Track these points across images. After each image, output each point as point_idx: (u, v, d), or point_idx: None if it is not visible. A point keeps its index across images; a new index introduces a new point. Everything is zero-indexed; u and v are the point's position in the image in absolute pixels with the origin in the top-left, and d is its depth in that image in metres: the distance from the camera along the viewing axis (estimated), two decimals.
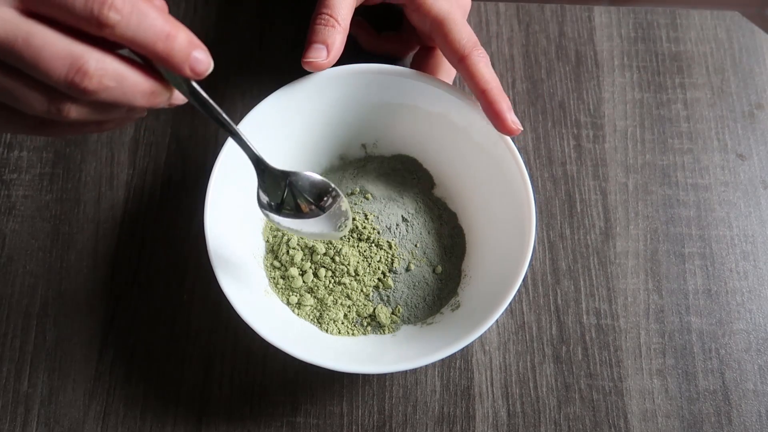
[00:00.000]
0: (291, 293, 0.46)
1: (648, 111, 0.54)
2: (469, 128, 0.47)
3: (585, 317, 0.48)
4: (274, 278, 0.46)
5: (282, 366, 0.47)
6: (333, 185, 0.41)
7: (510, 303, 0.48)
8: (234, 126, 0.36)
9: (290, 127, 0.48)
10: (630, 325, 0.48)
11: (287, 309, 0.46)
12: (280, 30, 0.56)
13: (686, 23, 0.57)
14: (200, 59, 0.29)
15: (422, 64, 0.50)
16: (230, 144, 0.44)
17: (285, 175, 0.40)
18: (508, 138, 0.44)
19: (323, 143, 0.50)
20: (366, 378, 0.47)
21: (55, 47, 0.27)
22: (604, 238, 0.50)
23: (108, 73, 0.28)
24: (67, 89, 0.27)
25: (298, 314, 0.46)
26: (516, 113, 0.53)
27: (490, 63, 0.44)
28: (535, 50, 0.56)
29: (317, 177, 0.41)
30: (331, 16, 0.44)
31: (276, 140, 0.48)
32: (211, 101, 0.33)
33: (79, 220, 0.50)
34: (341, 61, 0.45)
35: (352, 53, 0.46)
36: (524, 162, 0.43)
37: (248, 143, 0.38)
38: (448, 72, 0.50)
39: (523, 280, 0.49)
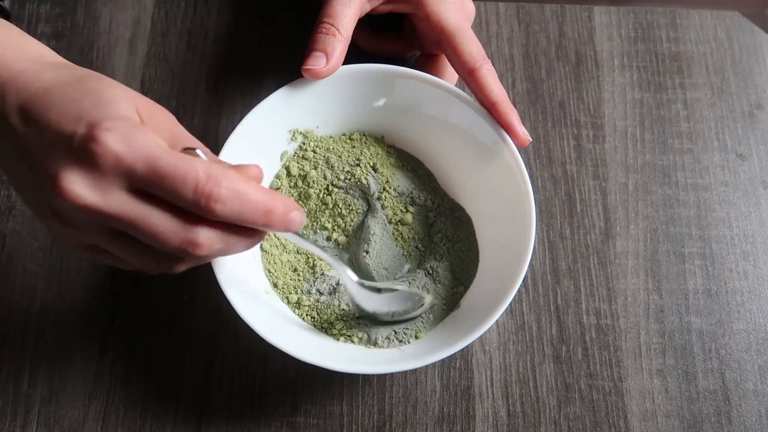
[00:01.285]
0: (290, 292, 0.46)
1: (648, 111, 0.54)
2: (469, 128, 0.47)
3: (585, 317, 0.48)
4: (273, 273, 0.46)
5: (282, 366, 0.47)
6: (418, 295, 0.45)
7: (510, 303, 0.48)
8: (318, 245, 0.44)
9: (290, 126, 0.48)
10: (630, 325, 0.48)
11: (287, 309, 0.46)
12: (280, 30, 0.56)
13: (686, 23, 0.57)
14: (295, 220, 0.33)
15: (425, 68, 0.50)
16: (229, 145, 0.44)
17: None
18: (508, 138, 0.44)
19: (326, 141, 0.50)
20: (366, 378, 0.47)
21: (169, 223, 0.31)
22: (604, 238, 0.50)
23: (216, 239, 0.32)
24: (182, 255, 0.32)
25: (298, 314, 0.45)
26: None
27: (497, 76, 0.45)
28: (535, 50, 0.56)
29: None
30: (332, 25, 0.45)
31: (276, 139, 0.48)
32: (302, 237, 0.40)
33: None
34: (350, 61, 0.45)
35: (352, 54, 0.46)
36: (524, 162, 0.44)
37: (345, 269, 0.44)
38: (450, 77, 0.50)
39: (523, 280, 0.49)
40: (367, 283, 0.44)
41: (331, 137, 0.50)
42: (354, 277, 0.43)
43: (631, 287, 0.49)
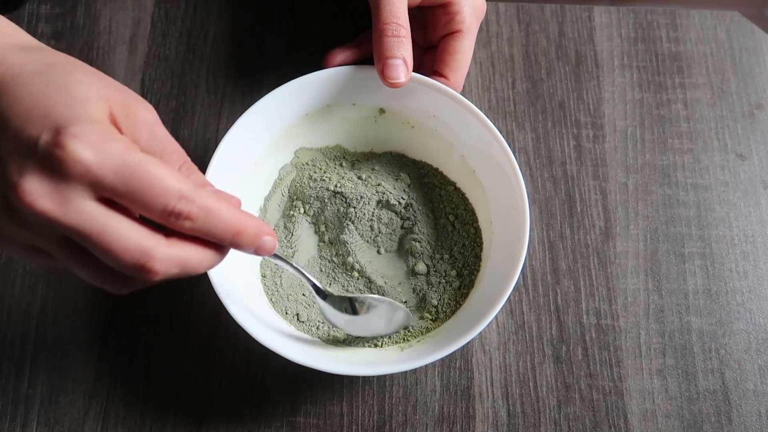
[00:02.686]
0: (287, 305, 0.46)
1: (648, 111, 0.54)
2: (461, 130, 0.46)
3: (585, 317, 0.48)
4: (271, 291, 0.46)
5: (282, 366, 0.47)
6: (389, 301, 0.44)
7: (508, 302, 0.48)
8: (295, 264, 0.41)
9: (289, 124, 0.48)
10: (630, 325, 0.48)
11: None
12: (280, 30, 0.56)
13: (686, 23, 0.57)
14: (266, 245, 0.33)
15: (427, 63, 0.50)
16: (223, 147, 0.44)
17: (346, 298, 0.43)
18: (501, 138, 0.44)
19: (322, 142, 0.50)
20: (366, 378, 0.47)
21: (125, 242, 0.29)
22: (604, 238, 0.50)
23: (172, 263, 0.30)
24: (133, 275, 0.30)
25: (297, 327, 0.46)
26: (516, 113, 0.54)
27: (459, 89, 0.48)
28: (535, 50, 0.56)
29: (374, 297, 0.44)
30: (401, 25, 0.43)
31: (275, 138, 0.48)
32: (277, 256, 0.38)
33: None
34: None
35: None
36: (524, 162, 0.44)
37: (310, 278, 0.42)
38: (465, 58, 0.48)
39: (523, 280, 0.49)
40: (336, 294, 0.43)
41: (326, 146, 0.50)
42: (319, 292, 0.42)
43: (631, 287, 0.49)
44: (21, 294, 0.48)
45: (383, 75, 0.43)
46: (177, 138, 0.53)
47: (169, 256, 0.30)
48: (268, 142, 0.47)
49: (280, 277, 0.46)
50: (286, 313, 0.45)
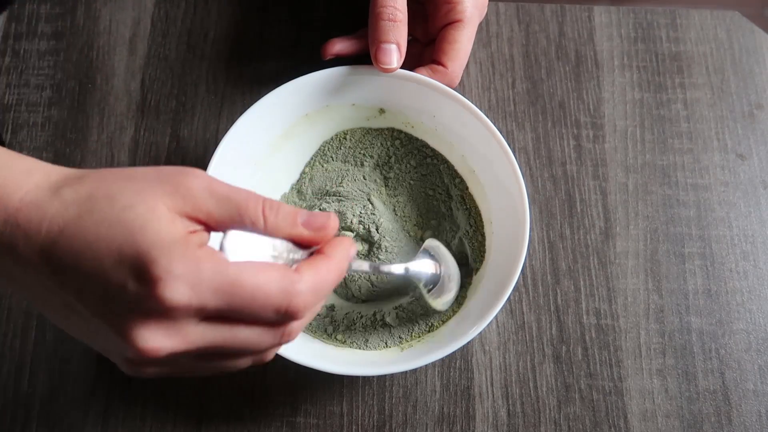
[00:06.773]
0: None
1: (648, 111, 0.54)
2: (461, 129, 0.46)
3: (585, 317, 0.48)
4: None
5: (282, 366, 0.47)
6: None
7: (508, 302, 0.49)
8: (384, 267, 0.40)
9: (289, 124, 0.48)
10: (630, 325, 0.48)
11: None
12: (280, 30, 0.56)
13: (686, 23, 0.57)
14: (352, 258, 0.34)
15: (442, 43, 0.48)
16: (222, 147, 0.44)
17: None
18: (501, 138, 0.44)
19: (320, 142, 0.50)
20: (366, 378, 0.47)
21: (257, 332, 0.30)
22: (604, 238, 0.50)
23: (310, 290, 0.30)
24: (281, 323, 0.30)
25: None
26: (516, 113, 0.54)
27: (457, 78, 0.47)
28: (535, 50, 0.56)
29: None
30: (397, 8, 0.43)
31: (275, 138, 0.48)
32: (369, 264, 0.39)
33: None
34: (345, 61, 0.45)
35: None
36: (524, 162, 0.44)
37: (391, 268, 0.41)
38: (464, 48, 0.48)
39: (524, 280, 0.49)
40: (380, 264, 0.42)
41: (331, 140, 0.50)
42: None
43: (631, 287, 0.49)
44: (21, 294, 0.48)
45: (375, 59, 0.43)
46: (177, 138, 0.53)
47: (306, 283, 0.30)
48: (268, 142, 0.47)
49: None
50: None
